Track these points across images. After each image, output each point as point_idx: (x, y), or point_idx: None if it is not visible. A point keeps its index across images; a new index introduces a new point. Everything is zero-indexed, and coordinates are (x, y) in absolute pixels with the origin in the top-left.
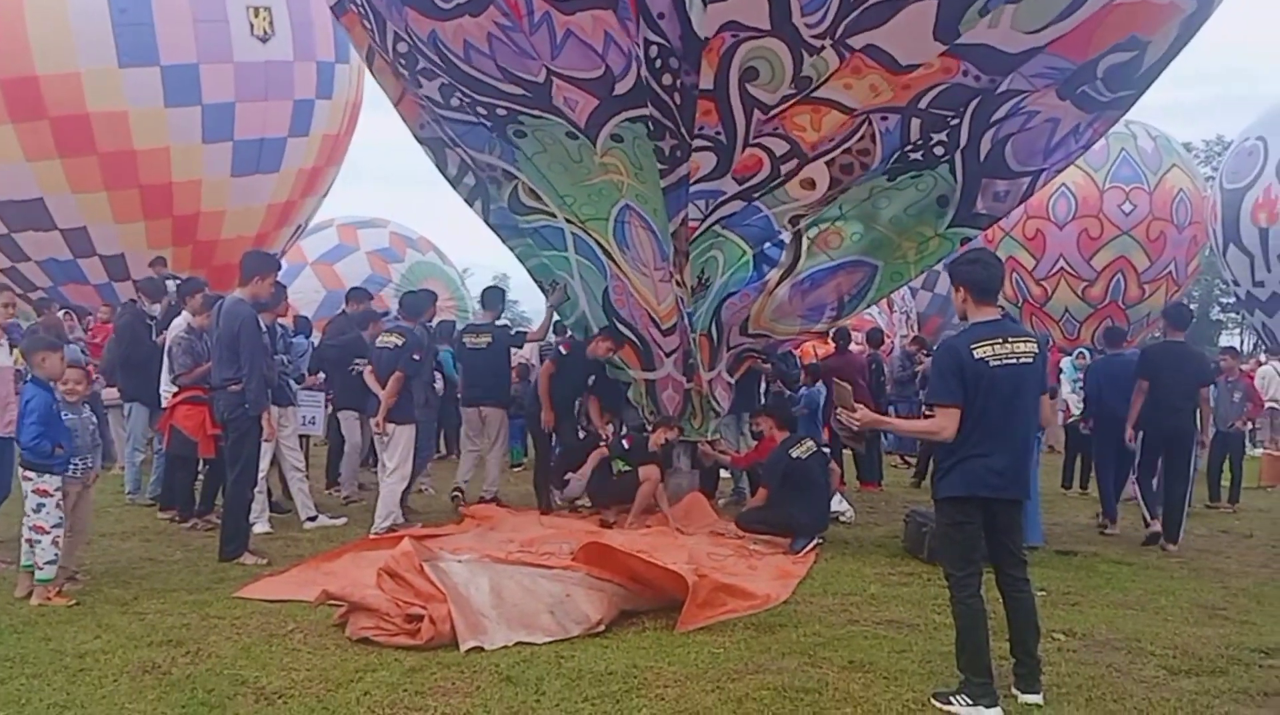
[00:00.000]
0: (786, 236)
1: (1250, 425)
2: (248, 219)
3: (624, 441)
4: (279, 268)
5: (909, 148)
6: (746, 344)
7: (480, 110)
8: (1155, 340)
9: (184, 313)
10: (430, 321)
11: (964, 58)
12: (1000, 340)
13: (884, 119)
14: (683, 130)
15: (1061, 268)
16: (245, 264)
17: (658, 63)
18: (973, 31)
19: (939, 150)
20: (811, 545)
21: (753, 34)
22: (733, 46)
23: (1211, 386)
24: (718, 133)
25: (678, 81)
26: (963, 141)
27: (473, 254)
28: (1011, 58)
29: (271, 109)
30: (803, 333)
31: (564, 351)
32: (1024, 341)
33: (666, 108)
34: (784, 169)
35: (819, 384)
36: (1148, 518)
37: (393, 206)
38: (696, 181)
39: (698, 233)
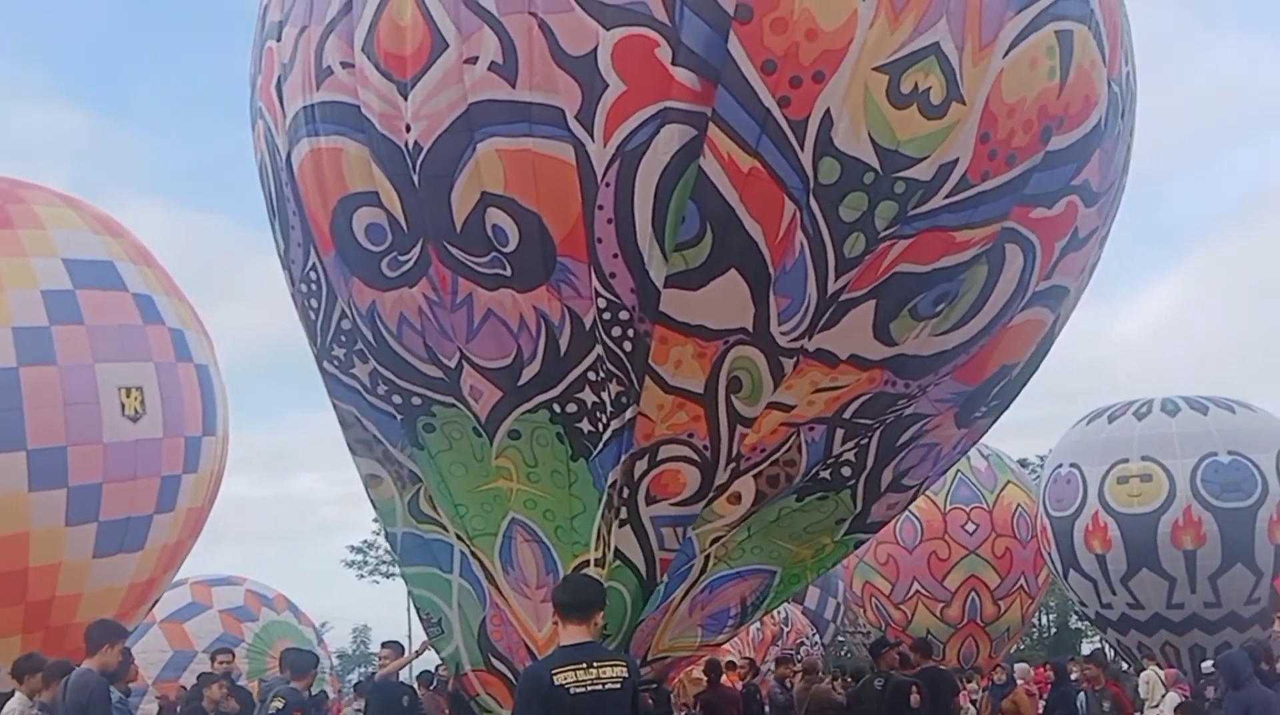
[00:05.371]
0: (700, 559)
1: None
2: (107, 600)
3: None
4: (126, 635)
5: (828, 460)
6: (645, 675)
7: (396, 399)
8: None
9: (16, 694)
10: (309, 686)
11: (885, 366)
12: (584, 665)
13: (811, 429)
14: (632, 377)
15: (917, 591)
16: (91, 634)
17: (606, 315)
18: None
19: (845, 471)
20: None
21: (741, 338)
22: (723, 352)
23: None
24: (705, 446)
25: (629, 331)
26: (869, 466)
27: (330, 607)
28: (923, 361)
29: (139, 487)
30: (703, 646)
31: None
32: (611, 665)
33: (616, 357)
34: (716, 470)
35: None
36: None
37: (248, 564)
38: (678, 503)
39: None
